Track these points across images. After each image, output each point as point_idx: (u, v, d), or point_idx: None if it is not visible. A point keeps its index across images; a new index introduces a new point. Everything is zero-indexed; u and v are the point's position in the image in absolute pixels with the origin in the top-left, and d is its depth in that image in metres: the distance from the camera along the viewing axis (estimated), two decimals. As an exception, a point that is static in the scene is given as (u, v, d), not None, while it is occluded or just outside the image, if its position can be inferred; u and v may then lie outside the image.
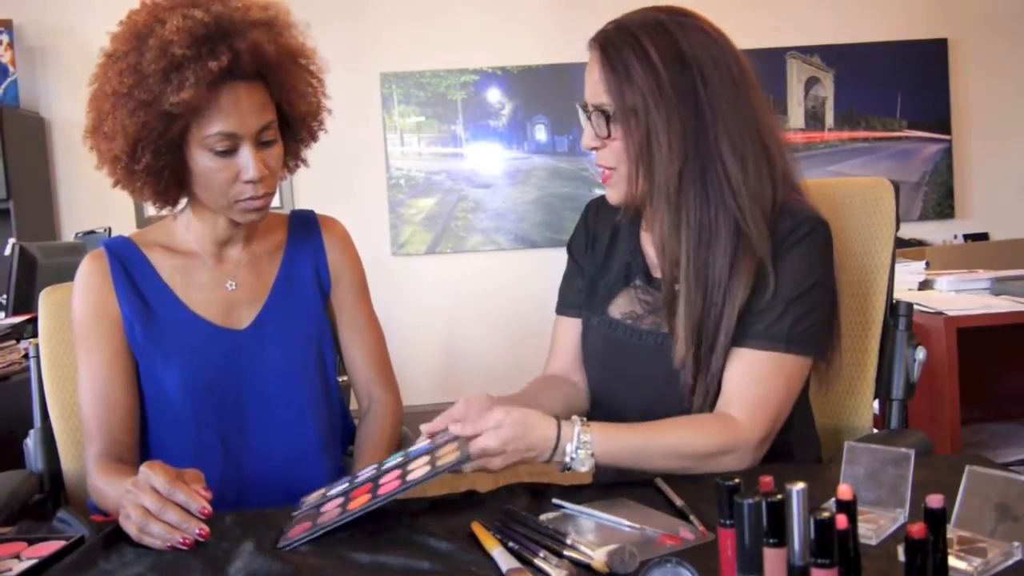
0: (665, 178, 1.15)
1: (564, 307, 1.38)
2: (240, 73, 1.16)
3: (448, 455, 0.99)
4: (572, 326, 1.36)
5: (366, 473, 1.08)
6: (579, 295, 1.36)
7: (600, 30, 1.19)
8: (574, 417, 1.07)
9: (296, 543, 0.94)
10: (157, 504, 0.97)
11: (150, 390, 1.28)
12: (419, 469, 0.99)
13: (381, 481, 1.02)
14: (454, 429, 1.04)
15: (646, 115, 1.13)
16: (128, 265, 1.29)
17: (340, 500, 1.02)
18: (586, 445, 1.04)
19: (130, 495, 0.98)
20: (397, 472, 1.02)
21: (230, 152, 1.18)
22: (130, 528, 0.98)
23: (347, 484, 1.07)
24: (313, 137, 1.35)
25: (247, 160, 1.18)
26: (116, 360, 1.26)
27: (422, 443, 1.07)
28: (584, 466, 1.04)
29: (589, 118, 1.19)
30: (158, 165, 1.17)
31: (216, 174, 1.19)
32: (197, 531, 0.96)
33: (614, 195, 1.22)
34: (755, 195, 1.15)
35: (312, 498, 1.08)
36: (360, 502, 0.97)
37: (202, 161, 1.18)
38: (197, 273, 1.30)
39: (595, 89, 1.17)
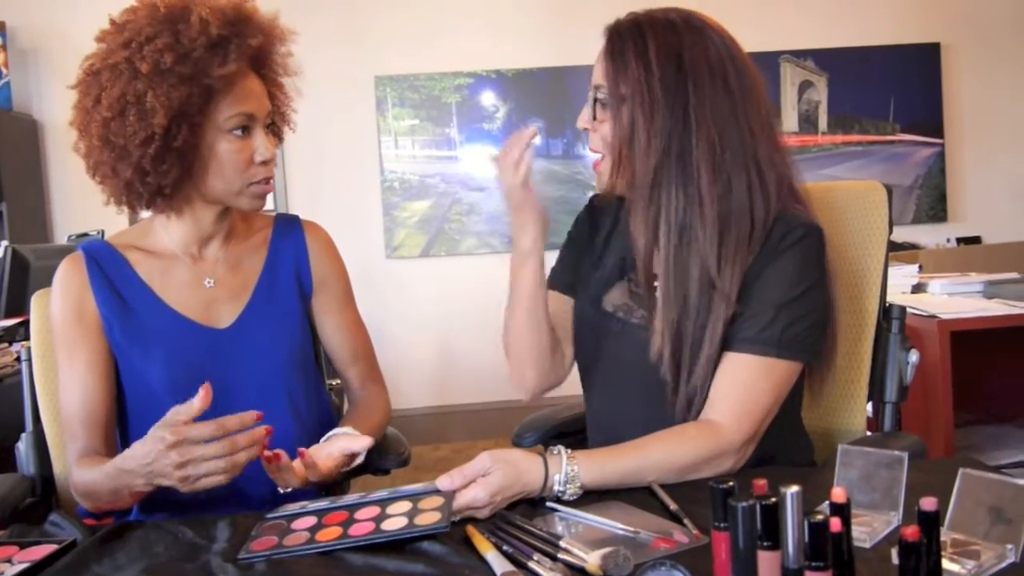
0: (642, 171, 1.17)
1: (551, 281, 1.37)
2: (256, 64, 1.26)
3: (429, 515, 0.97)
4: (557, 300, 1.35)
5: (347, 499, 1.07)
6: (570, 274, 1.36)
7: (616, 19, 1.22)
8: (559, 448, 1.07)
9: (256, 558, 0.93)
10: (214, 431, 1.02)
11: (132, 389, 1.29)
12: (396, 519, 0.98)
13: (356, 516, 1.00)
14: (442, 484, 1.01)
15: (631, 106, 1.16)
16: (105, 266, 1.29)
17: (312, 522, 1.01)
18: (574, 479, 1.04)
19: (169, 452, 1.02)
20: (375, 512, 1.00)
21: (245, 134, 1.23)
22: (175, 476, 1.02)
23: (327, 504, 1.06)
24: (280, 138, 1.38)
25: (260, 141, 1.25)
26: (97, 361, 1.27)
27: (415, 485, 1.05)
28: (573, 497, 1.04)
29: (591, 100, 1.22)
30: (193, 142, 1.20)
31: (234, 155, 1.23)
32: (264, 431, 1.03)
33: (599, 180, 1.25)
34: (734, 209, 1.15)
35: (291, 508, 1.07)
36: (329, 535, 0.97)
37: (220, 144, 1.22)
38: (175, 272, 1.31)
39: (597, 72, 1.21)
